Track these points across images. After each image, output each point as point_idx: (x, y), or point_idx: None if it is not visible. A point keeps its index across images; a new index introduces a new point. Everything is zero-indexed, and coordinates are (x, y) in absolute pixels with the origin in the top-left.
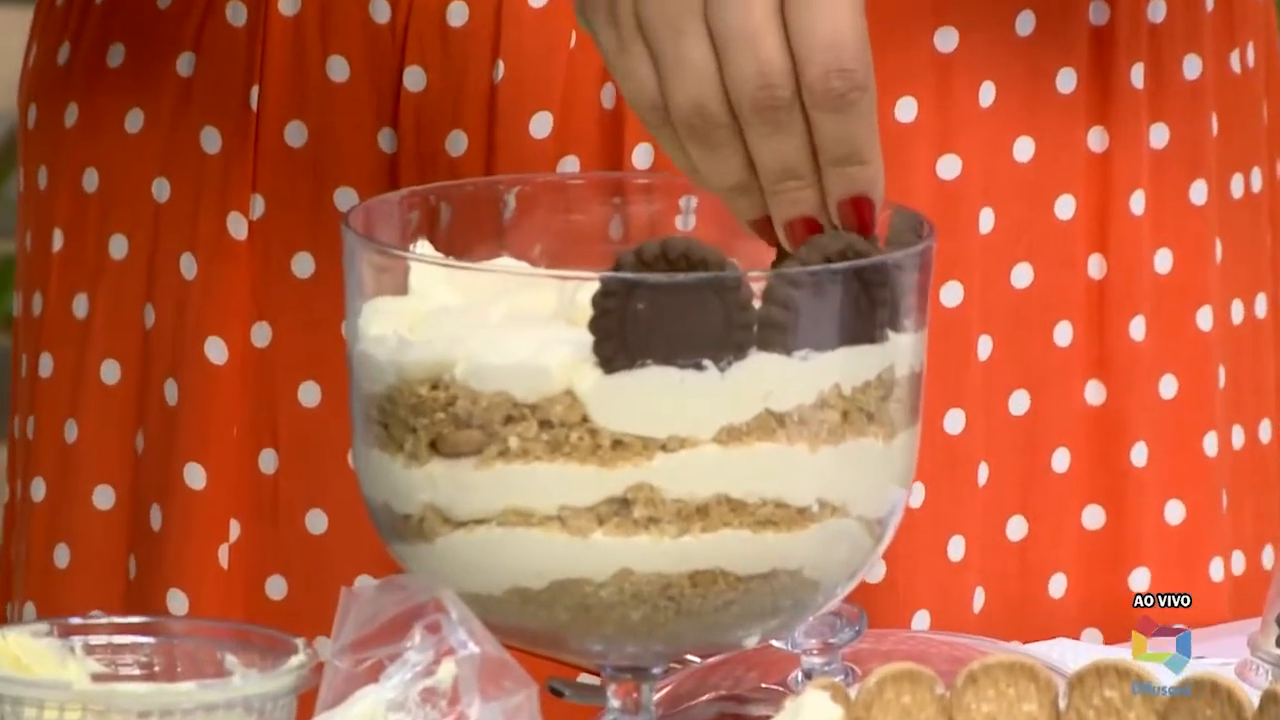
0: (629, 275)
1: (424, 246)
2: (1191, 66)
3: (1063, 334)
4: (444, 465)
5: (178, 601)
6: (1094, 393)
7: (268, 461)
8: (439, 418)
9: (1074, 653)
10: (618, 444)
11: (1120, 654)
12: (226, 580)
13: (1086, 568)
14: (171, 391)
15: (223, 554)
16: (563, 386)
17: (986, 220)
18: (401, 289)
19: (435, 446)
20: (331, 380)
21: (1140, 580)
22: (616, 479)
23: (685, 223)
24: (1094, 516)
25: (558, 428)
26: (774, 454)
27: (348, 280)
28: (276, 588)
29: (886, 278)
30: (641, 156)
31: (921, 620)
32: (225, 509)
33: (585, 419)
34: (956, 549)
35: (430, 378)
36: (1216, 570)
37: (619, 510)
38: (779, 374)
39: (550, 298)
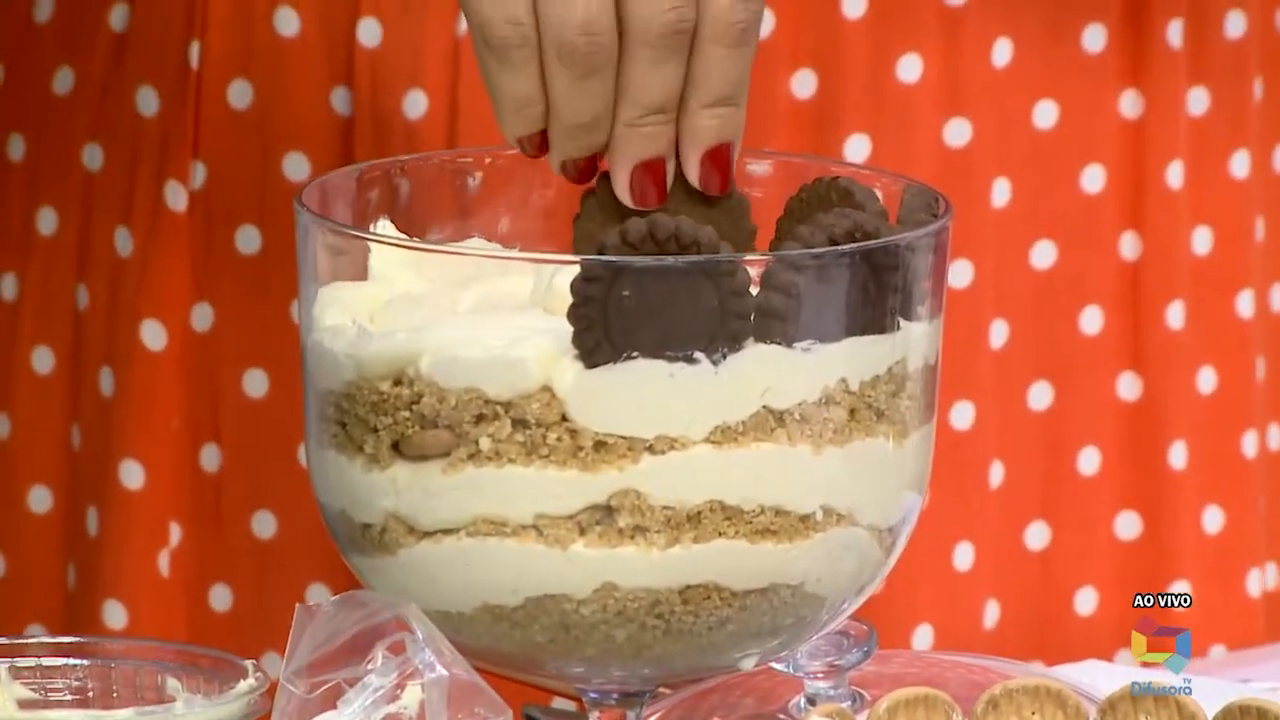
0: (613, 258)
1: (385, 226)
2: (1234, 24)
3: (1091, 320)
4: (408, 469)
5: (115, 614)
6: (1128, 386)
7: (210, 458)
8: (402, 417)
9: (1106, 675)
10: (600, 445)
11: (1157, 678)
12: (167, 590)
13: (1120, 581)
14: (107, 381)
15: (163, 561)
16: (539, 382)
17: (1001, 192)
18: (361, 273)
19: (398, 448)
20: (279, 368)
21: (1179, 594)
22: (599, 484)
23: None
24: (1129, 524)
25: (534, 428)
26: (773, 456)
27: (301, 263)
28: (221, 598)
29: (898, 261)
30: None
31: (924, 636)
32: (165, 511)
33: (564, 418)
34: (964, 557)
35: (393, 372)
36: (1254, 584)
37: (602, 519)
38: (779, 367)
39: (525, 283)
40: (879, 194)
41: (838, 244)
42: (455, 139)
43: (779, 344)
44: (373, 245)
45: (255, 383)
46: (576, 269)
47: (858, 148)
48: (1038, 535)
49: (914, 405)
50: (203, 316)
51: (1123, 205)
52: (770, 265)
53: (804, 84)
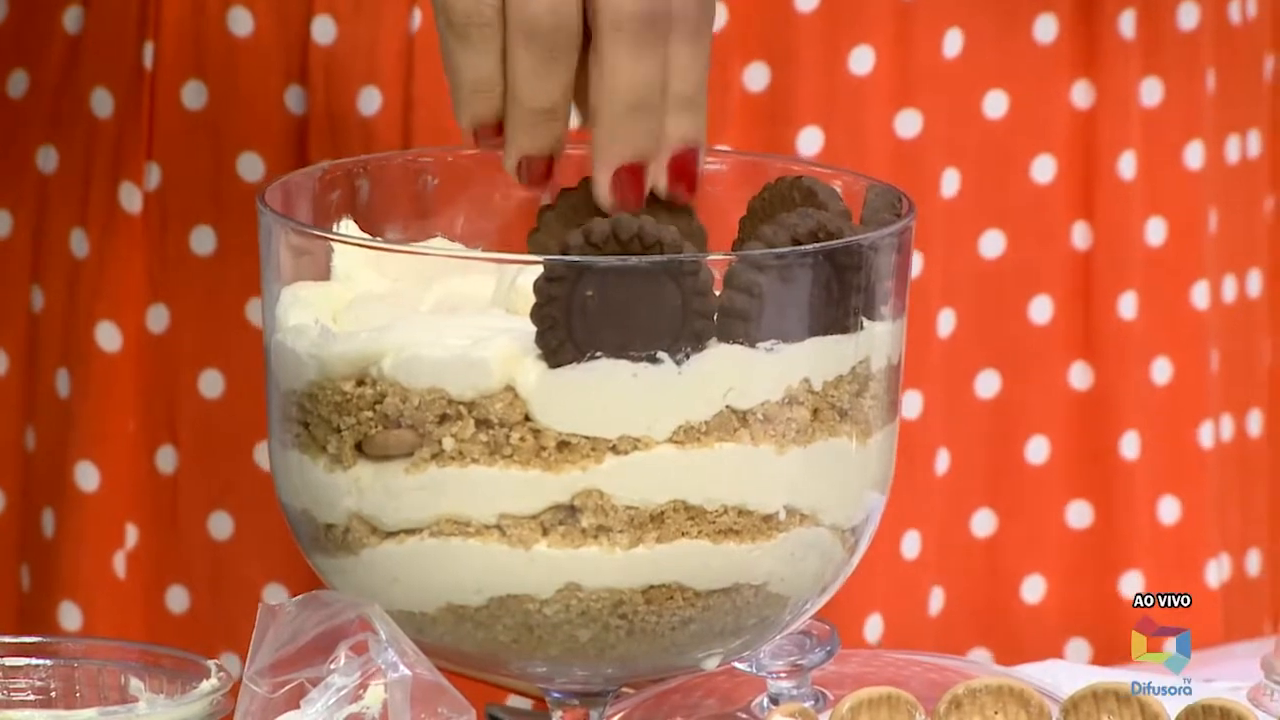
0: (576, 258)
1: (348, 226)
2: (1188, 15)
3: (1040, 310)
4: (371, 469)
5: (71, 616)
6: (1080, 376)
7: (166, 460)
8: (365, 416)
9: (1069, 675)
10: (564, 445)
11: (1121, 677)
12: (124, 591)
13: (1070, 571)
14: (63, 382)
15: (119, 562)
16: (502, 382)
17: (950, 183)
18: (323, 273)
19: (361, 448)
20: (235, 369)
21: (1132, 585)
22: (562, 484)
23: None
24: (1080, 514)
25: (497, 428)
26: (737, 456)
27: (264, 263)
28: (178, 599)
29: (861, 260)
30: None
31: (875, 626)
32: (120, 512)
33: (528, 418)
34: (912, 545)
35: (355, 372)
36: (1212, 575)
37: (565, 519)
38: (742, 367)
39: (488, 283)
40: (841, 193)
41: (801, 244)
42: (410, 136)
43: (742, 344)
44: (335, 245)
45: (211, 383)
46: (539, 269)
47: (811, 140)
48: (984, 523)
49: (877, 405)
50: (158, 318)
51: (1074, 195)
52: (733, 265)
53: (757, 77)
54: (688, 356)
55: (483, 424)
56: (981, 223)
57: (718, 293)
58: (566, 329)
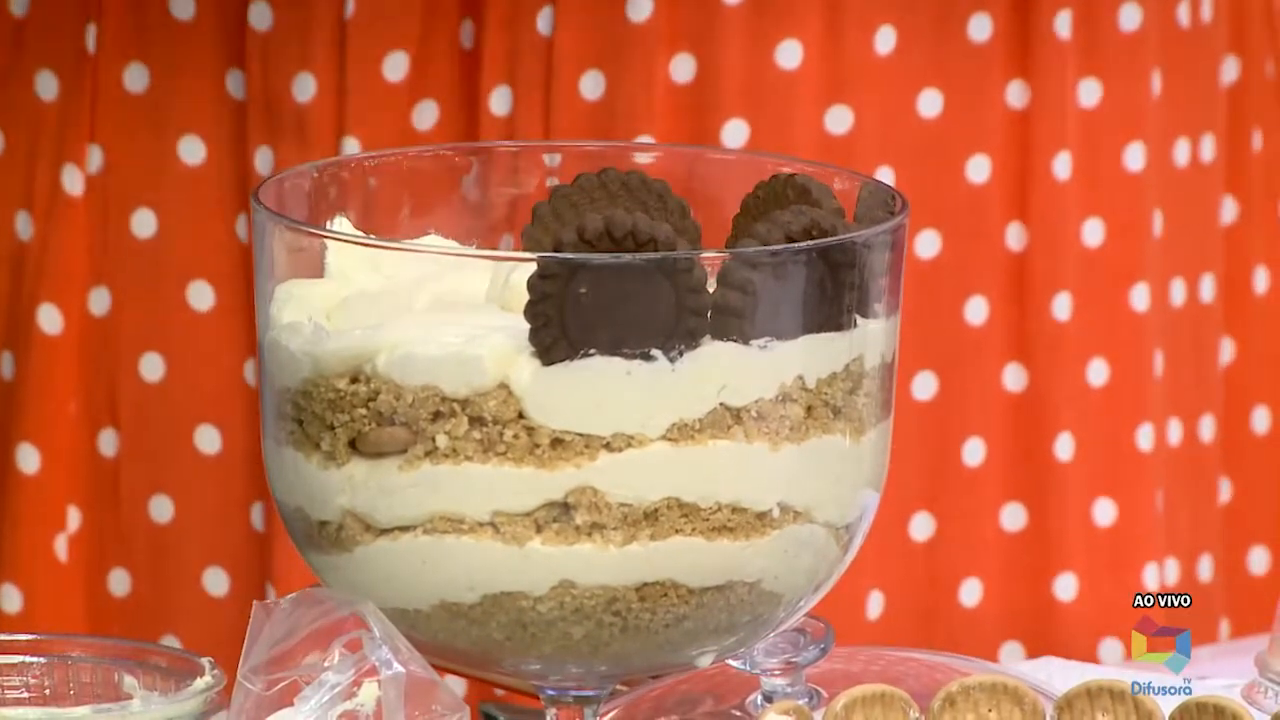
0: (570, 255)
1: (342, 224)
2: (1130, 17)
3: (975, 311)
4: (365, 466)
5: (11, 598)
6: (1014, 377)
7: (107, 443)
8: (359, 414)
9: (1063, 672)
10: (557, 443)
11: (1115, 674)
12: (65, 574)
13: (1006, 573)
14: (6, 364)
15: (60, 545)
16: (496, 379)
17: (884, 181)
18: (317, 271)
19: (355, 446)
20: (175, 351)
21: (1066, 587)
22: (556, 482)
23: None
24: (1014, 516)
25: (491, 425)
26: (730, 453)
27: (257, 260)
28: (120, 582)
29: (855, 258)
30: (499, 100)
31: None
32: (62, 495)
33: (521, 415)
34: None
35: (349, 370)
36: (1151, 578)
37: (559, 516)
38: (736, 364)
39: (482, 281)
40: (835, 191)
41: (795, 241)
42: (344, 122)
43: (736, 341)
44: (329, 242)
45: (152, 367)
46: (533, 266)
47: (736, 132)
48: (922, 526)
49: (871, 402)
50: (100, 300)
51: (1009, 195)
52: (727, 262)
53: (683, 68)
54: (681, 354)
55: (476, 421)
56: (916, 222)
57: (712, 290)
58: (560, 326)
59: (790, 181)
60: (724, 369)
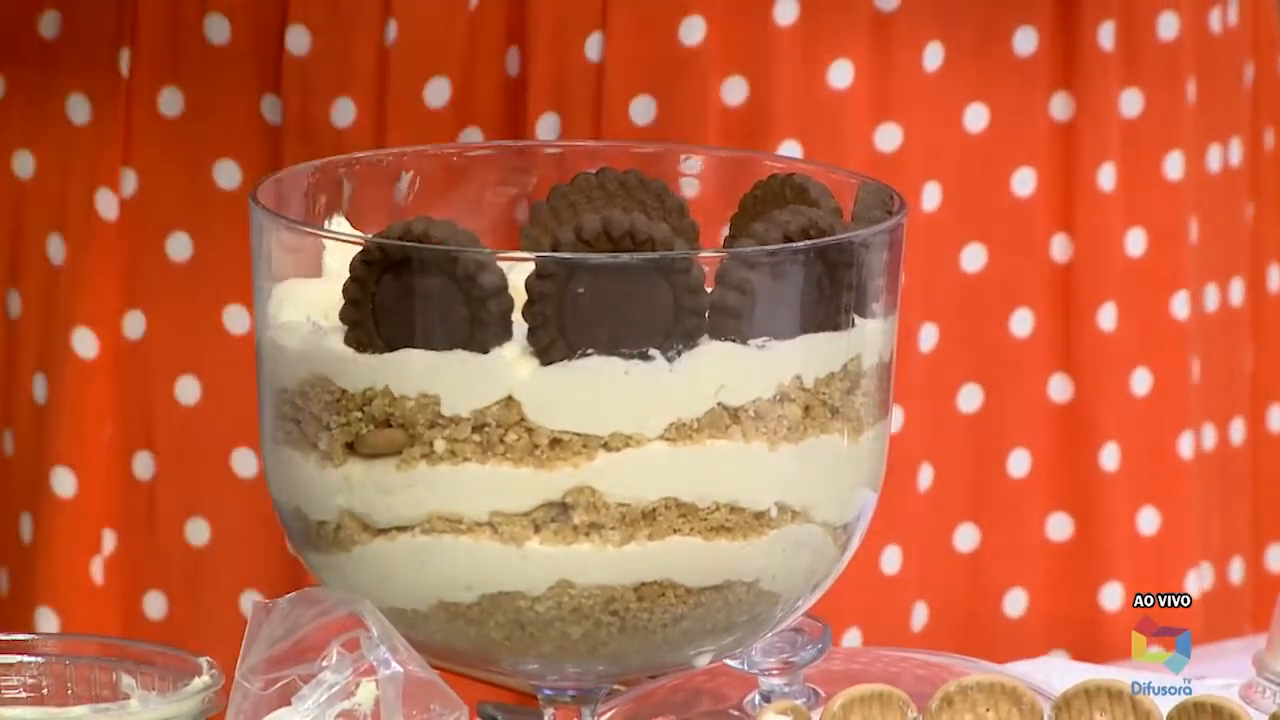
0: (567, 255)
1: (340, 223)
2: (1167, 25)
3: (1021, 323)
4: (362, 466)
5: (48, 621)
6: (1059, 388)
7: (143, 466)
8: (356, 415)
9: (1060, 672)
10: (555, 443)
11: (1112, 674)
12: (101, 597)
13: (1051, 583)
14: (40, 388)
15: (96, 568)
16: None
17: (931, 196)
18: (315, 270)
19: (353, 446)
20: (212, 375)
21: (1112, 596)
22: (554, 481)
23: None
24: (1060, 526)
25: (489, 425)
26: (728, 453)
27: (255, 260)
28: (155, 605)
29: (853, 258)
30: (546, 128)
31: (852, 639)
32: (97, 518)
33: (520, 415)
34: (892, 560)
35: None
36: (1193, 584)
37: (557, 516)
38: (734, 364)
39: None
40: (833, 190)
41: (792, 241)
42: (383, 147)
43: (734, 341)
44: (327, 242)
45: (187, 390)
46: (531, 266)
47: (789, 154)
48: (967, 537)
49: (869, 402)
50: (134, 324)
51: (1053, 207)
52: (725, 262)
53: (735, 91)
54: (679, 354)
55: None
56: (962, 236)
57: (709, 290)
58: (558, 326)
59: (788, 181)
60: (722, 369)
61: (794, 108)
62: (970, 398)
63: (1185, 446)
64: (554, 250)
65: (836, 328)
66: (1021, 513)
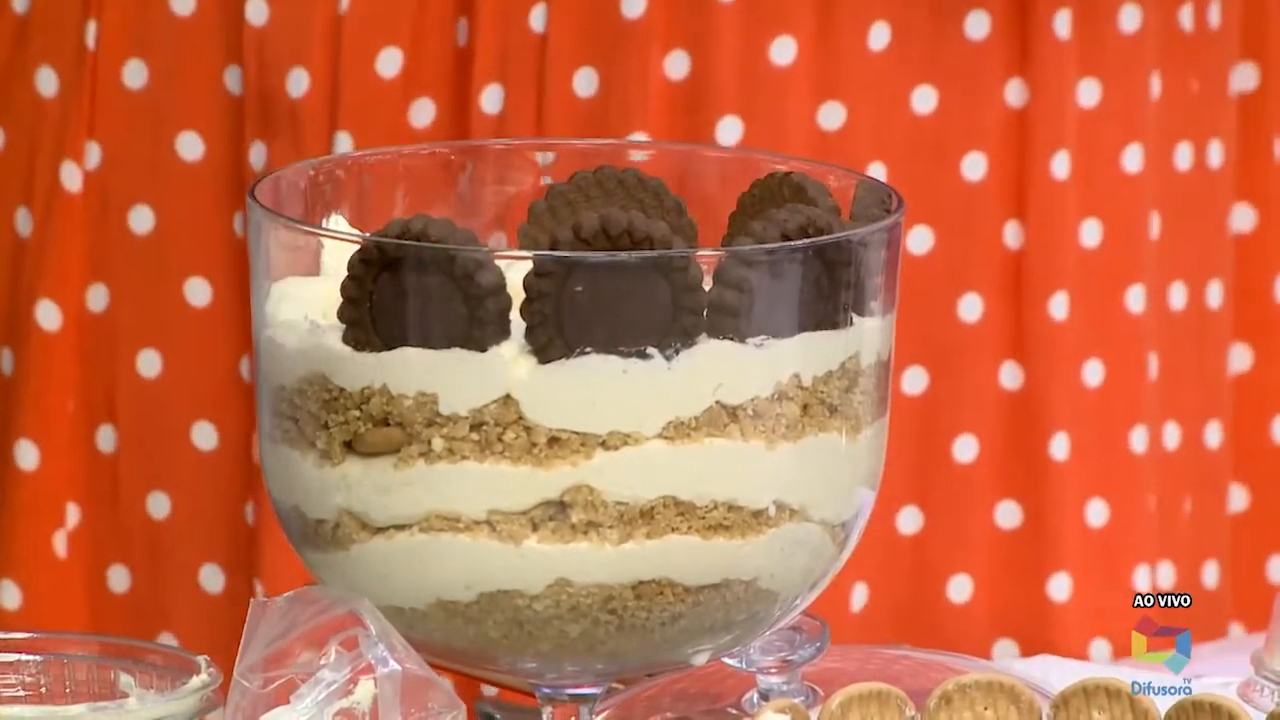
0: (565, 254)
1: (338, 222)
2: (1129, 18)
3: (970, 308)
4: (360, 465)
5: (10, 595)
6: (1009, 375)
7: (106, 439)
8: (354, 414)
9: (1059, 670)
10: (554, 441)
11: (1111, 672)
12: (64, 570)
13: (998, 571)
14: (5, 360)
15: (59, 541)
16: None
17: (876, 176)
18: (313, 269)
19: (351, 445)
20: (173, 348)
21: (1060, 587)
22: (552, 480)
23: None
24: (1008, 514)
25: (487, 424)
26: (726, 451)
27: (253, 258)
28: (119, 579)
29: (851, 256)
30: (490, 99)
31: None
32: (61, 492)
33: (518, 414)
34: None
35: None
36: (1142, 580)
37: (555, 515)
38: (732, 363)
39: None
40: (831, 189)
41: (790, 239)
42: (336, 118)
43: (732, 339)
44: (325, 241)
45: (149, 363)
46: (529, 264)
47: (730, 129)
48: (910, 520)
49: (867, 400)
50: (98, 297)
51: (1006, 194)
52: (723, 260)
53: (677, 65)
54: (677, 352)
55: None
56: (909, 218)
57: (707, 288)
58: (556, 325)
59: (786, 179)
60: (720, 367)
61: (736, 83)
62: (915, 380)
63: (1138, 441)
64: (552, 249)
65: (835, 326)
66: (969, 499)
